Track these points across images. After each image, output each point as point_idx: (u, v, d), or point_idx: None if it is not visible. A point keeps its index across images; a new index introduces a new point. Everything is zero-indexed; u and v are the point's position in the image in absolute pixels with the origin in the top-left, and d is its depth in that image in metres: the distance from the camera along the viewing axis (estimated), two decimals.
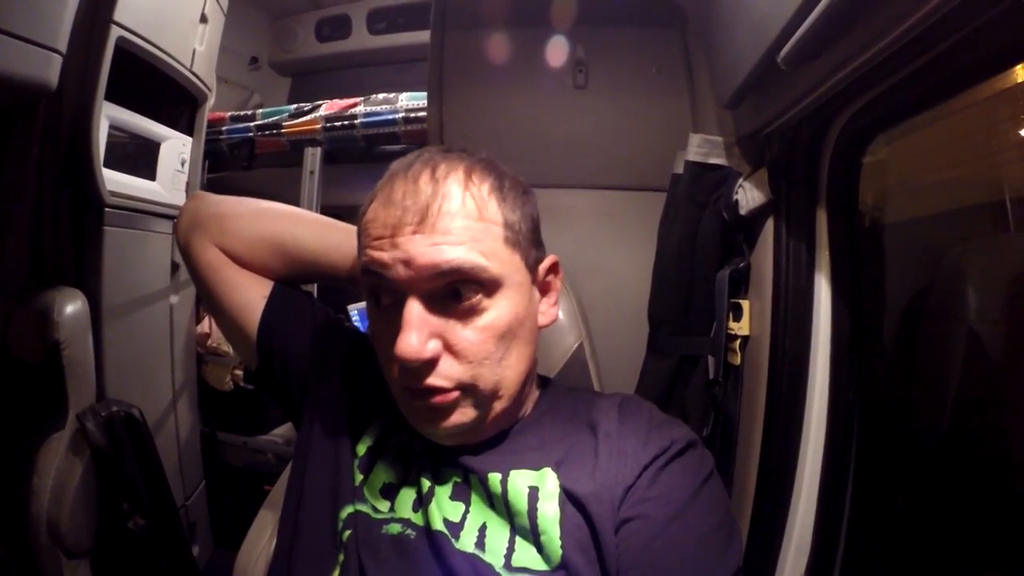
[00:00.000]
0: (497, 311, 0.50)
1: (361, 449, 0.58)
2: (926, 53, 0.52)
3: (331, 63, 2.54)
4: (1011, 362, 0.78)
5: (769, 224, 0.81)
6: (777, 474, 0.78)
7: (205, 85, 1.51)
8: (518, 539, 0.50)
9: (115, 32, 1.12)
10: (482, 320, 0.50)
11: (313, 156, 1.73)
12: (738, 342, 0.87)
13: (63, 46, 0.92)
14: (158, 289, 1.40)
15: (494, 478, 0.52)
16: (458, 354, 0.49)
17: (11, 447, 1.04)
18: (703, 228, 0.92)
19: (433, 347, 0.48)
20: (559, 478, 0.52)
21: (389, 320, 0.50)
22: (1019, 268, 0.80)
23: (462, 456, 0.55)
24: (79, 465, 1.03)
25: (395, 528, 0.53)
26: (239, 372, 1.86)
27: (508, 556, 0.49)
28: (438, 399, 0.49)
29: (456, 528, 0.51)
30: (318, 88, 2.43)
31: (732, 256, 0.90)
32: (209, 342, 1.81)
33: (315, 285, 2.17)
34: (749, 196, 0.82)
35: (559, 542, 0.48)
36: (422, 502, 0.53)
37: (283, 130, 1.80)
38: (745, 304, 0.86)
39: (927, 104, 0.64)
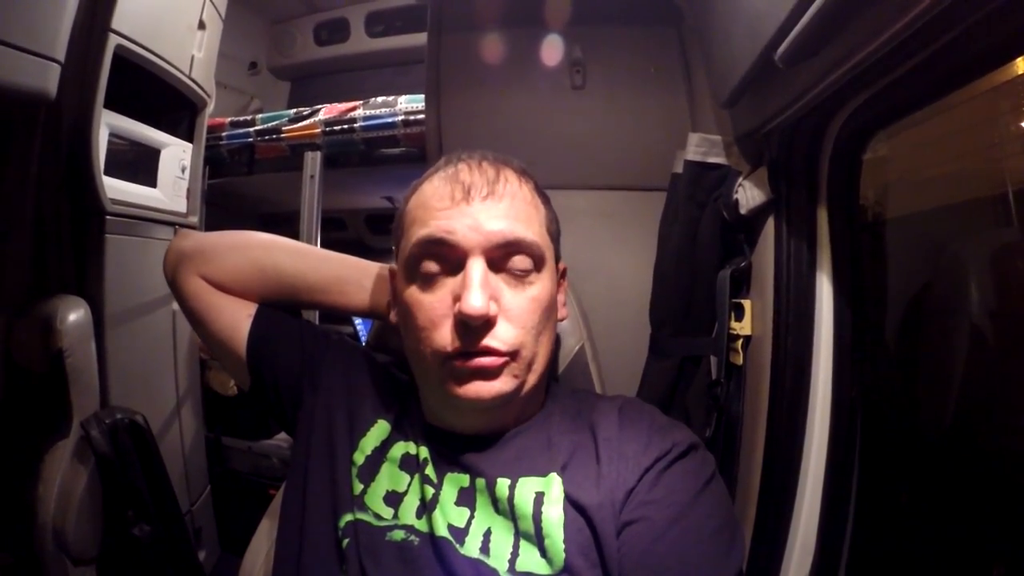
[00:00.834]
0: (542, 285, 0.55)
1: (359, 458, 0.58)
2: (925, 49, 0.52)
3: (330, 66, 2.55)
4: (1015, 357, 0.77)
5: (770, 223, 0.81)
6: (781, 474, 0.77)
7: (204, 91, 1.51)
8: (522, 543, 0.50)
9: (113, 40, 1.13)
10: (530, 291, 0.54)
11: (313, 160, 1.73)
12: (740, 342, 0.87)
13: (61, 55, 0.92)
14: (160, 296, 1.41)
15: (503, 484, 0.52)
16: (511, 319, 0.52)
17: (16, 455, 1.05)
18: (703, 228, 0.91)
19: (494, 306, 0.51)
20: (564, 484, 0.52)
21: (437, 289, 0.53)
22: (1022, 262, 0.80)
23: (472, 459, 0.55)
24: (84, 472, 1.03)
25: (398, 535, 0.53)
26: None
27: (512, 560, 0.49)
28: (488, 361, 0.51)
29: (461, 533, 0.51)
30: (317, 92, 2.44)
31: (733, 256, 0.89)
32: None
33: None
34: (749, 195, 0.81)
35: (563, 545, 0.48)
36: (426, 509, 0.53)
37: (283, 135, 1.81)
38: (747, 304, 0.86)
39: (927, 100, 0.63)
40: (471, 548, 0.50)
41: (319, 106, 1.81)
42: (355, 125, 1.72)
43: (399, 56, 2.36)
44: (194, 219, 1.56)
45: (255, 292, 0.68)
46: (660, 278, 0.98)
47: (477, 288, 0.50)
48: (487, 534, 0.51)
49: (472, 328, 0.50)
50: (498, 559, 0.49)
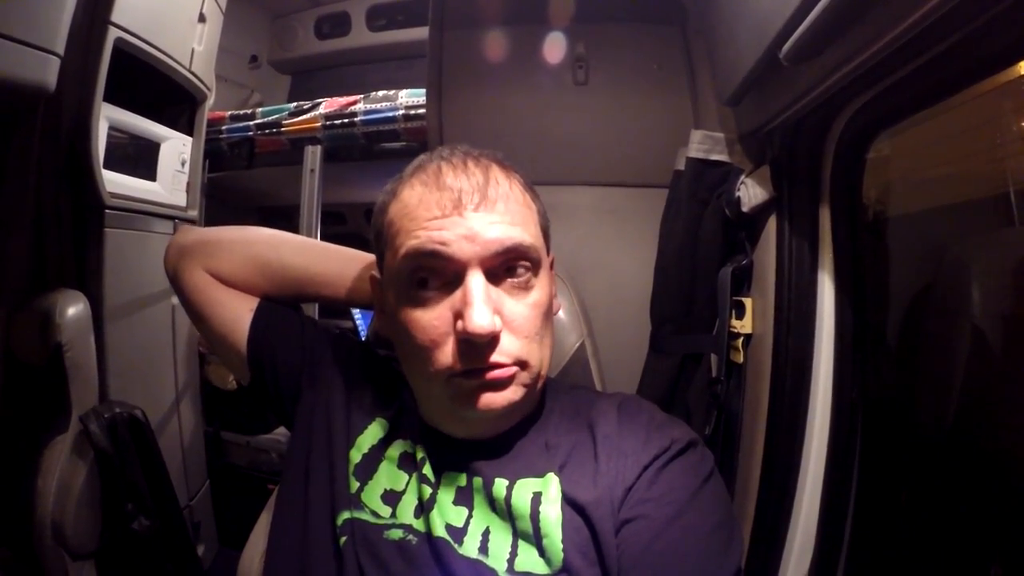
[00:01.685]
0: (540, 289, 0.53)
1: (356, 456, 0.58)
2: (929, 50, 0.52)
3: (331, 60, 2.54)
4: (1016, 358, 0.77)
5: (771, 221, 0.81)
6: (780, 472, 0.78)
7: (204, 85, 1.50)
8: (520, 543, 0.50)
9: (113, 33, 1.12)
10: (531, 297, 0.52)
11: (313, 154, 1.72)
12: (741, 340, 0.87)
13: (61, 48, 0.91)
14: (160, 290, 1.40)
15: (500, 484, 0.52)
16: (515, 329, 0.50)
17: (15, 449, 1.05)
18: (705, 225, 0.91)
19: (498, 321, 0.49)
20: (561, 483, 0.52)
21: (435, 306, 0.50)
22: None
23: (469, 459, 0.55)
24: (83, 467, 1.03)
25: (396, 534, 0.52)
26: None
27: (511, 560, 0.49)
28: (497, 374, 0.49)
29: (459, 533, 0.51)
30: (318, 86, 2.43)
31: (734, 253, 0.89)
32: None
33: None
34: (751, 193, 0.81)
35: (561, 545, 0.48)
36: (423, 508, 0.53)
37: (283, 129, 1.80)
38: (748, 302, 0.86)
39: (930, 101, 0.63)
40: (470, 548, 0.50)
41: (319, 100, 1.80)
42: (355, 119, 1.71)
43: (400, 50, 2.35)
44: (194, 213, 1.56)
45: (258, 286, 0.68)
46: (661, 275, 0.98)
47: (481, 305, 0.47)
48: (485, 534, 0.51)
49: (478, 346, 0.48)
50: (497, 559, 0.49)
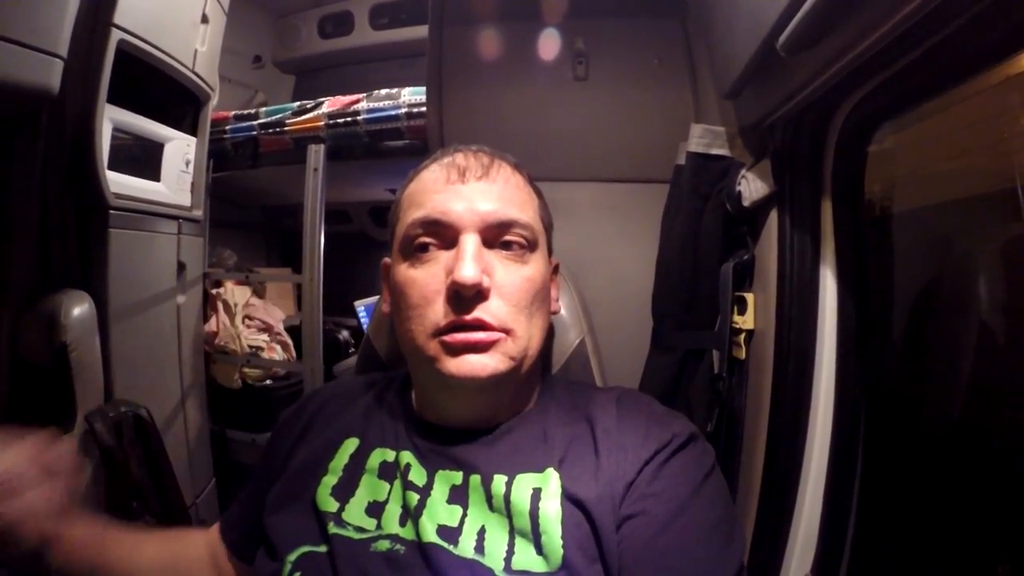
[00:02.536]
0: (534, 266, 0.56)
1: (331, 479, 0.56)
2: (928, 39, 0.51)
3: (334, 60, 2.56)
4: (1022, 353, 0.76)
5: (773, 216, 0.80)
6: (783, 469, 0.77)
7: (208, 85, 1.51)
8: (518, 540, 0.49)
9: (116, 35, 1.13)
10: (524, 270, 0.55)
11: (316, 153, 1.73)
12: (743, 336, 0.86)
13: (64, 51, 0.92)
14: (165, 289, 1.41)
15: (499, 480, 0.52)
16: (504, 295, 0.53)
17: None
18: (706, 220, 0.90)
19: (486, 279, 0.52)
20: (561, 479, 0.51)
21: (431, 265, 0.54)
22: None
23: (465, 454, 0.54)
24: (88, 466, 1.04)
25: (383, 545, 0.51)
26: (248, 370, 1.88)
27: (508, 559, 0.48)
28: (482, 335, 0.51)
29: (454, 533, 0.50)
30: (322, 85, 2.44)
31: (736, 248, 0.89)
32: (217, 340, 1.82)
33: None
34: (752, 187, 0.80)
35: (560, 541, 0.47)
36: (409, 515, 0.52)
37: (286, 128, 1.81)
38: (749, 297, 0.85)
39: (933, 91, 0.62)
40: (466, 548, 0.49)
41: (322, 99, 1.80)
42: (359, 118, 1.72)
43: (404, 49, 2.36)
44: (198, 213, 1.57)
45: None
46: (663, 271, 0.97)
47: (470, 258, 0.51)
48: (481, 532, 0.50)
49: (464, 299, 0.51)
50: (493, 558, 0.48)
